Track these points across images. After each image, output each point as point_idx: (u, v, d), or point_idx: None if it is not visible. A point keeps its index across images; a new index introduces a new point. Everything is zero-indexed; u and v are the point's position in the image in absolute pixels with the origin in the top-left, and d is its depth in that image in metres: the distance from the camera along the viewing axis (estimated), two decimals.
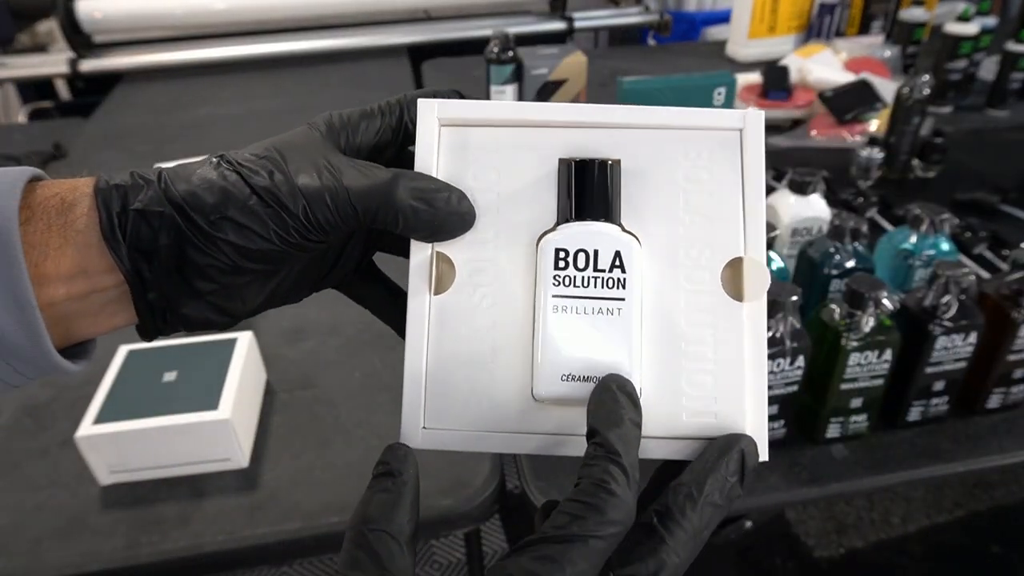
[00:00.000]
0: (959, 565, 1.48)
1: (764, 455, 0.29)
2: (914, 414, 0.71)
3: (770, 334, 0.62)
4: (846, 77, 1.37)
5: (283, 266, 0.31)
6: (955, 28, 1.36)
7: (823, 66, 1.42)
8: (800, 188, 0.80)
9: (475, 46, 1.59)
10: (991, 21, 1.41)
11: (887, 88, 1.29)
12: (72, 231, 0.27)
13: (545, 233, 0.29)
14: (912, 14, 1.54)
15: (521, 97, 1.30)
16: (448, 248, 0.29)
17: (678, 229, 0.29)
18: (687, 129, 0.30)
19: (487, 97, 1.30)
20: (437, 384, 0.30)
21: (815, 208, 0.80)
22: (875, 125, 1.30)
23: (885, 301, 0.61)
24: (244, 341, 0.76)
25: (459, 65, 1.76)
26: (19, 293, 0.25)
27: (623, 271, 0.28)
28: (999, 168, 1.20)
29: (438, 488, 0.67)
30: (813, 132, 1.32)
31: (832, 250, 0.72)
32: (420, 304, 0.29)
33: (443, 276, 0.29)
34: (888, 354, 0.64)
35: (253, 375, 0.76)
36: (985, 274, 0.91)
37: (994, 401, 0.73)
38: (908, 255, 0.75)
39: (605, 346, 0.28)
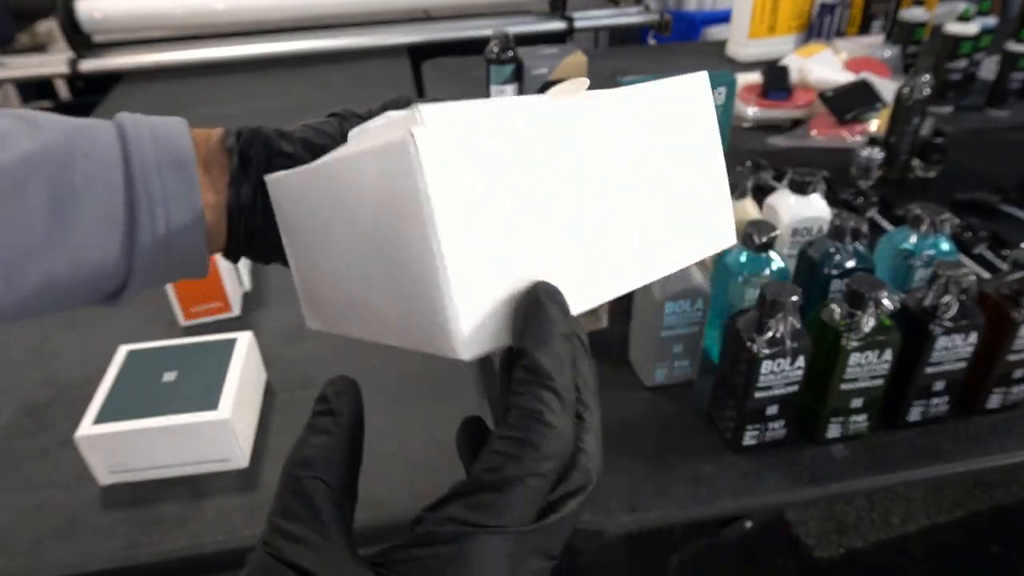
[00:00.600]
0: (959, 565, 1.48)
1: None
2: (914, 414, 0.71)
3: (770, 334, 0.62)
4: (846, 77, 1.37)
5: None
6: (955, 28, 1.36)
7: (823, 66, 1.42)
8: (800, 188, 0.80)
9: (475, 46, 1.59)
10: (991, 21, 1.41)
11: (887, 88, 1.29)
12: (212, 165, 0.37)
13: None
14: (912, 14, 1.54)
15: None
16: None
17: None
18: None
19: (488, 94, 1.30)
20: None
21: (815, 208, 0.80)
22: (875, 125, 1.30)
23: (885, 301, 0.61)
24: (244, 341, 0.76)
25: (459, 65, 1.76)
26: (197, 209, 0.36)
27: None
28: (999, 168, 1.20)
29: (438, 488, 0.67)
30: (813, 132, 1.32)
31: (832, 250, 0.72)
32: None
33: None
34: (888, 354, 0.64)
35: (253, 375, 0.76)
36: (985, 274, 0.91)
37: (994, 401, 0.73)
38: (908, 255, 0.75)
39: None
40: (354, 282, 0.30)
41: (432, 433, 0.73)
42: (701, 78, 0.34)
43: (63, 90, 2.01)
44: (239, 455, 0.69)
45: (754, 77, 1.43)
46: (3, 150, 0.32)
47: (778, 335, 0.62)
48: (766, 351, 0.62)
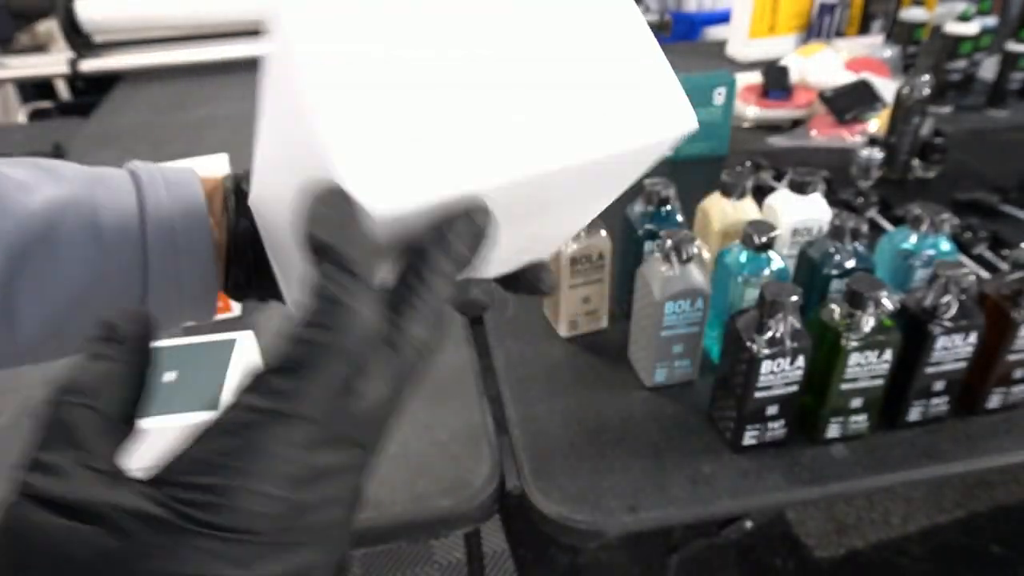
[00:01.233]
0: (959, 565, 1.48)
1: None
2: (914, 414, 0.71)
3: (770, 334, 0.62)
4: (846, 77, 1.37)
5: None
6: (955, 28, 1.36)
7: (823, 66, 1.42)
8: (800, 188, 0.80)
9: None
10: (991, 21, 1.41)
11: (887, 88, 1.29)
12: (216, 191, 0.39)
13: None
14: (912, 14, 1.54)
15: None
16: None
17: None
18: None
19: None
20: None
21: (815, 208, 0.80)
22: (875, 125, 1.30)
23: (885, 301, 0.61)
24: (244, 341, 0.76)
25: None
26: (208, 259, 0.38)
27: None
28: (999, 168, 1.20)
29: (438, 488, 0.67)
30: (813, 132, 1.32)
31: (832, 250, 0.72)
32: None
33: None
34: (888, 354, 0.64)
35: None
36: (985, 274, 0.91)
37: (994, 401, 0.73)
38: (908, 255, 0.75)
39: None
40: None
41: (432, 434, 0.73)
42: None
43: (63, 90, 2.01)
44: None
45: (754, 77, 1.43)
46: (29, 195, 0.34)
47: (778, 335, 0.62)
48: (766, 351, 0.62)
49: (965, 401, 0.72)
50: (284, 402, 0.21)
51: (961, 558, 1.49)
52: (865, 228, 0.72)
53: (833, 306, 0.65)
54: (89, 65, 1.72)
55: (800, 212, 0.80)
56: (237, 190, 0.39)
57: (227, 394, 0.53)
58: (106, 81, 1.75)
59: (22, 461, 0.21)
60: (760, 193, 0.90)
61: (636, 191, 0.81)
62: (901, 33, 1.55)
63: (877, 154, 1.12)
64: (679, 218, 0.80)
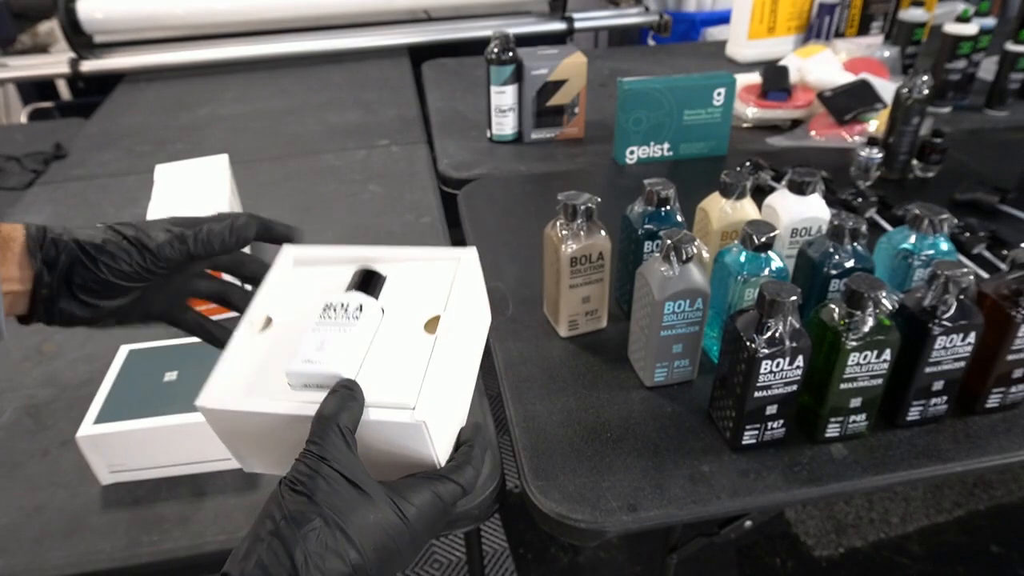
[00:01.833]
0: (958, 564, 1.48)
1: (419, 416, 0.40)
2: (913, 414, 0.71)
3: (769, 334, 0.62)
4: (845, 77, 1.37)
5: (135, 288, 0.49)
6: (954, 28, 1.36)
7: (823, 66, 1.42)
8: (799, 188, 0.80)
9: (475, 46, 1.59)
10: (990, 21, 1.41)
11: (886, 88, 1.30)
12: (11, 253, 0.46)
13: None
14: (911, 14, 1.54)
15: (521, 97, 1.31)
16: (273, 310, 0.49)
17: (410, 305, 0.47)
18: (425, 260, 0.51)
19: (488, 95, 1.31)
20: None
21: (814, 208, 0.81)
22: (874, 125, 1.30)
23: (884, 301, 0.62)
24: None
25: (459, 65, 1.76)
26: None
27: (360, 312, 0.44)
28: (998, 168, 1.20)
29: None
30: (812, 132, 1.32)
31: (831, 250, 0.73)
32: (246, 334, 0.47)
33: (264, 323, 0.48)
34: (887, 354, 0.65)
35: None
36: (984, 274, 0.91)
37: (993, 401, 0.73)
38: (907, 255, 0.76)
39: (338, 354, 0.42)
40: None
41: None
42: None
43: (64, 90, 2.01)
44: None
45: (753, 77, 1.43)
46: None
47: (777, 335, 0.62)
48: (765, 351, 0.62)
49: (964, 401, 0.73)
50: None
51: (960, 557, 1.49)
52: (864, 228, 0.72)
53: (832, 306, 0.65)
54: (90, 65, 1.72)
55: (799, 212, 0.81)
56: (45, 259, 0.46)
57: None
58: (107, 81, 1.75)
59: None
60: (759, 193, 0.91)
61: (636, 191, 0.82)
62: (900, 33, 1.55)
63: (876, 154, 1.12)
64: (679, 218, 0.80)
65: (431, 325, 0.46)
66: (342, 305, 0.44)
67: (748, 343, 0.63)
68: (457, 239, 1.09)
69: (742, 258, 0.72)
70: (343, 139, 1.42)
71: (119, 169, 1.35)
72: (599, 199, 0.76)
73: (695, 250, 0.69)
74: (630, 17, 2.01)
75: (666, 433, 0.72)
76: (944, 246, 0.75)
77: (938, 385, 0.69)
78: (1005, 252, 0.94)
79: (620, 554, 1.51)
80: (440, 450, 0.43)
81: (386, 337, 0.45)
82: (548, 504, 0.65)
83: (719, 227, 0.81)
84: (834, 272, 0.72)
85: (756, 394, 0.65)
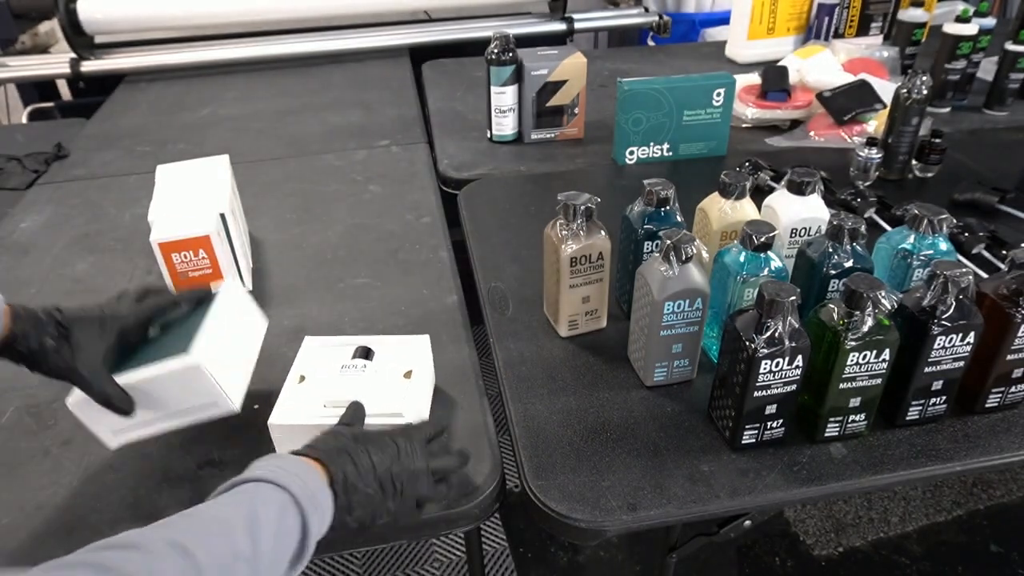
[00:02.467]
0: (958, 564, 1.48)
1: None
2: (912, 413, 0.71)
3: (769, 333, 0.62)
4: (845, 78, 1.37)
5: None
6: (954, 28, 1.37)
7: (822, 67, 1.42)
8: (799, 188, 0.80)
9: (475, 47, 1.59)
10: (990, 22, 1.41)
11: (885, 89, 1.30)
12: None
13: None
14: (911, 15, 1.54)
15: (521, 97, 1.31)
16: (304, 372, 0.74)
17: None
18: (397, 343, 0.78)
19: (488, 96, 1.31)
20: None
21: (814, 208, 0.81)
22: (874, 125, 1.30)
23: (883, 301, 0.62)
24: (228, 289, 0.74)
25: (459, 66, 1.76)
26: None
27: (365, 367, 0.74)
28: (997, 168, 1.20)
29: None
30: (812, 132, 1.32)
31: (831, 250, 0.73)
32: (291, 384, 0.73)
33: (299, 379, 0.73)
34: (886, 354, 0.65)
35: (242, 320, 0.75)
36: (983, 274, 0.91)
37: (992, 401, 0.73)
38: (906, 255, 0.76)
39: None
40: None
41: None
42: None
43: (65, 91, 2.01)
44: (224, 398, 0.67)
45: (753, 78, 1.43)
46: None
47: (777, 335, 0.62)
48: (765, 350, 0.62)
49: (963, 400, 0.73)
50: None
51: (959, 557, 1.49)
52: (863, 228, 0.72)
53: (832, 306, 0.65)
54: (90, 66, 1.72)
55: (799, 212, 0.81)
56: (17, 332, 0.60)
57: (201, 339, 0.65)
58: (107, 82, 1.75)
59: None
60: (759, 193, 0.91)
61: (636, 191, 0.82)
62: (900, 34, 1.55)
63: (875, 154, 1.12)
64: (679, 218, 0.81)
65: (408, 374, 0.72)
66: (353, 365, 0.73)
67: (747, 343, 0.63)
68: (457, 239, 1.10)
69: (741, 258, 0.72)
70: (344, 139, 1.42)
71: (120, 169, 1.35)
72: (599, 199, 0.76)
73: (695, 250, 0.69)
74: (630, 18, 2.01)
75: (666, 433, 0.72)
76: (943, 246, 0.75)
77: (937, 385, 0.69)
78: (1004, 252, 0.94)
79: (620, 553, 1.51)
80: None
81: (375, 380, 0.71)
82: (548, 503, 0.65)
83: (719, 227, 0.81)
84: (833, 272, 0.72)
85: (755, 394, 0.65)
